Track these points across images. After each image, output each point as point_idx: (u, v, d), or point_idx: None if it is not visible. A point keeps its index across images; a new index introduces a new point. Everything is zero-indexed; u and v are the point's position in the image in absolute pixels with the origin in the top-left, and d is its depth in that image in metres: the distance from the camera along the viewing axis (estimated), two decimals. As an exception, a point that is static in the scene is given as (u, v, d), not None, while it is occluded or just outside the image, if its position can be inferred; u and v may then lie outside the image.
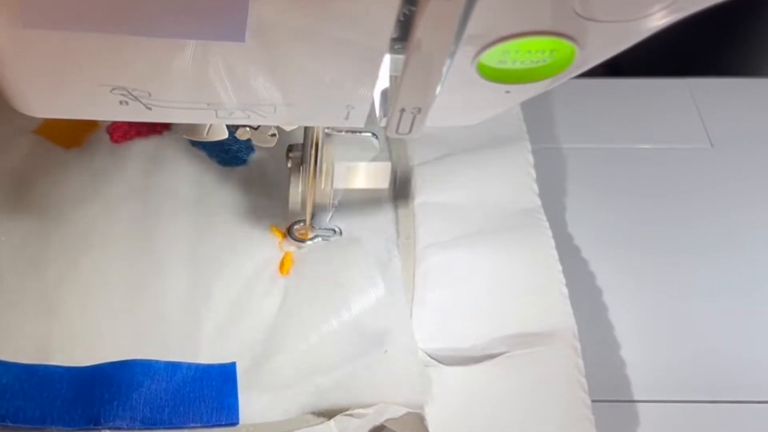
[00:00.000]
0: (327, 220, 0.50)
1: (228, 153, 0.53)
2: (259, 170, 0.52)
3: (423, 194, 0.53)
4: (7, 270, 0.47)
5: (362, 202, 0.52)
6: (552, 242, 0.50)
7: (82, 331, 0.45)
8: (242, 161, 0.53)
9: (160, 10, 0.30)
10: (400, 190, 0.53)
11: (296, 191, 0.47)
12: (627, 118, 0.64)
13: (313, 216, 0.50)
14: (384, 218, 0.52)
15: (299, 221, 0.51)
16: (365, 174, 0.46)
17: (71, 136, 0.54)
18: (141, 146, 0.54)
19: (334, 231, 0.50)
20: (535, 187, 0.53)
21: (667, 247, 0.56)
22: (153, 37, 0.31)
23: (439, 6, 0.30)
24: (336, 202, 0.50)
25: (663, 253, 0.56)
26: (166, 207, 0.50)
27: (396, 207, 0.52)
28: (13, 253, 0.48)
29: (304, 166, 0.47)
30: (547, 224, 0.51)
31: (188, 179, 0.52)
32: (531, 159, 0.55)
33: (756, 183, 0.60)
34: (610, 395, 0.49)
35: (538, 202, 0.53)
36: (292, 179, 0.47)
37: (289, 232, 0.50)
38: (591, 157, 0.61)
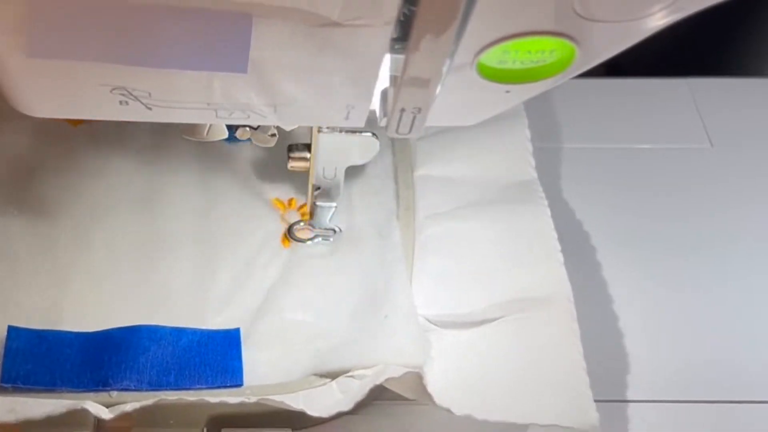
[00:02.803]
0: (327, 219, 0.50)
1: (232, 129, 0.54)
2: (263, 147, 0.53)
3: (423, 167, 0.54)
4: (19, 245, 0.48)
5: (362, 174, 0.53)
6: (548, 212, 0.51)
7: (92, 303, 0.46)
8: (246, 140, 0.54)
9: (165, 43, 0.31)
10: (400, 162, 0.54)
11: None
12: (627, 118, 0.64)
13: (312, 216, 0.50)
14: (384, 189, 0.53)
15: (299, 221, 0.51)
16: (351, 147, 0.47)
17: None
18: (147, 123, 0.54)
19: (334, 231, 0.51)
20: (532, 160, 0.54)
21: (667, 247, 0.56)
22: (157, 68, 0.32)
23: (439, 5, 0.30)
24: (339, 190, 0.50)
25: (663, 253, 0.56)
26: (172, 181, 0.52)
27: (396, 179, 0.53)
28: (25, 229, 0.49)
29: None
30: (543, 195, 0.52)
31: (193, 154, 0.53)
32: (528, 134, 0.56)
33: (756, 183, 0.60)
34: (608, 395, 0.49)
35: (535, 174, 0.54)
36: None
37: (289, 232, 0.51)
38: (591, 156, 0.61)
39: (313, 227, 0.51)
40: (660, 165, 0.61)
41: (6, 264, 0.47)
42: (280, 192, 0.52)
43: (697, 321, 0.53)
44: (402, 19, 0.32)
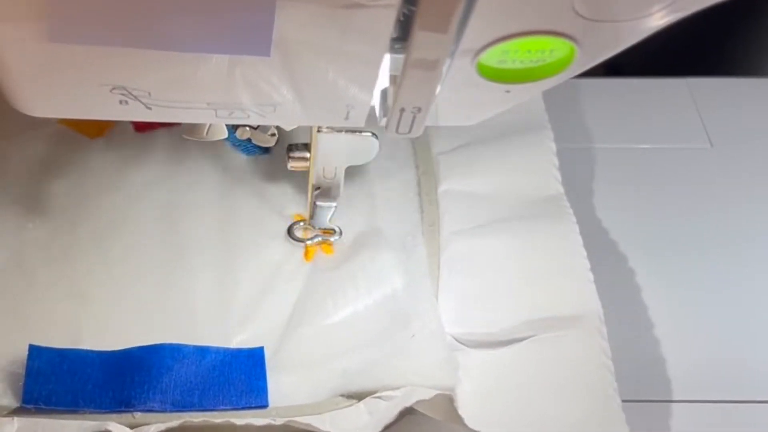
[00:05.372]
0: (327, 219, 0.50)
1: (251, 142, 0.54)
2: (282, 159, 0.52)
3: (447, 182, 0.53)
4: (37, 260, 0.48)
5: (386, 187, 0.53)
6: (576, 228, 0.50)
7: (112, 319, 0.46)
8: (266, 150, 0.54)
9: (188, 26, 0.30)
10: (423, 176, 0.54)
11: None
12: (627, 118, 0.64)
13: (312, 216, 0.50)
14: (408, 206, 0.52)
15: (299, 221, 0.51)
16: (351, 147, 0.46)
17: (95, 125, 0.54)
18: (164, 136, 0.54)
19: (334, 231, 0.51)
20: (558, 175, 0.54)
21: (667, 247, 0.56)
22: (180, 52, 0.31)
23: (439, 5, 0.30)
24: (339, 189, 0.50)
25: (663, 253, 0.56)
26: (191, 196, 0.52)
27: (420, 194, 0.53)
28: (42, 244, 0.49)
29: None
30: (570, 211, 0.52)
31: (212, 168, 0.53)
32: (554, 147, 0.55)
33: (756, 182, 0.60)
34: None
35: (561, 189, 0.53)
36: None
37: (288, 232, 0.51)
38: (591, 156, 0.61)
39: (313, 227, 0.51)
40: (660, 165, 0.61)
41: (24, 278, 0.47)
42: (300, 206, 0.52)
43: (696, 320, 0.53)
44: (402, 19, 0.32)
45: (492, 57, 0.34)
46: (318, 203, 0.49)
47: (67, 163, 0.52)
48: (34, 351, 0.43)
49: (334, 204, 0.50)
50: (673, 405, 0.49)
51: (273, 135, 0.49)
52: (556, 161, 0.54)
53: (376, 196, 0.53)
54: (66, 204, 0.51)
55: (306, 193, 0.51)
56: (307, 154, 0.47)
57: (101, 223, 0.50)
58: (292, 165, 0.48)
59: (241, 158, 0.54)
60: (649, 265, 0.55)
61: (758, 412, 0.49)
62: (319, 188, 0.49)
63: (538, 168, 0.54)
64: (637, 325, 0.52)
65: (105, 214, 0.50)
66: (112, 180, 0.52)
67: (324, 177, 0.48)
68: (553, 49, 0.34)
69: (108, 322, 0.46)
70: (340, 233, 0.51)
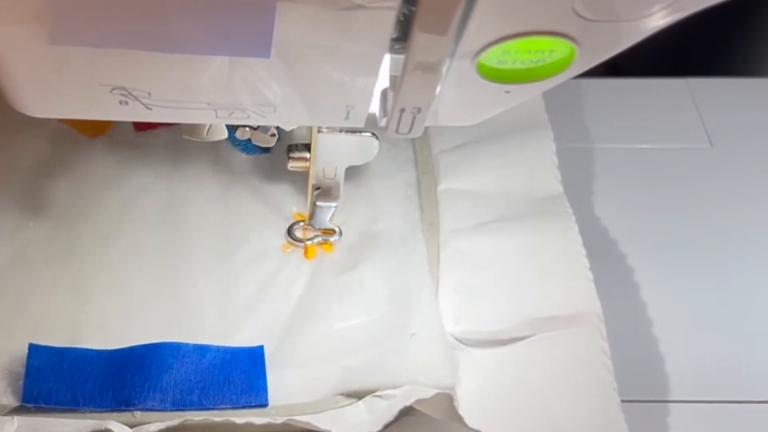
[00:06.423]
0: (327, 219, 0.50)
1: (251, 142, 0.54)
2: (282, 158, 0.53)
3: (446, 181, 0.53)
4: (37, 259, 0.48)
5: (386, 186, 0.53)
6: (576, 227, 0.50)
7: (112, 318, 0.46)
8: (265, 150, 0.54)
9: (189, 28, 0.30)
10: (423, 175, 0.54)
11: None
12: (627, 118, 0.64)
13: (312, 216, 0.50)
14: (408, 204, 0.52)
15: (299, 221, 0.51)
16: (351, 147, 0.46)
17: (96, 125, 0.54)
18: (165, 135, 0.54)
19: (334, 231, 0.51)
20: (558, 174, 0.54)
21: (667, 247, 0.56)
22: (181, 54, 0.31)
23: (439, 5, 0.30)
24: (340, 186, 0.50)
25: (662, 253, 0.56)
26: (192, 194, 0.52)
27: (420, 193, 0.53)
28: (42, 242, 0.49)
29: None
30: (570, 210, 0.52)
31: (213, 167, 0.53)
32: (553, 147, 0.55)
33: (756, 182, 0.60)
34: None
35: (561, 189, 0.53)
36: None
37: (288, 232, 0.51)
38: (591, 156, 0.61)
39: (313, 227, 0.51)
40: (660, 165, 0.61)
41: (24, 276, 0.47)
42: (301, 205, 0.52)
43: (696, 320, 0.53)
44: (402, 19, 0.32)
45: (492, 57, 0.34)
46: (318, 203, 0.49)
47: (67, 163, 0.53)
48: (34, 350, 0.43)
49: (334, 204, 0.50)
50: (673, 405, 0.49)
51: (273, 135, 0.49)
52: (555, 160, 0.55)
53: (376, 195, 0.53)
54: (66, 203, 0.51)
55: (306, 193, 0.51)
56: (307, 154, 0.47)
57: (102, 221, 0.50)
58: (292, 165, 0.48)
59: (240, 157, 0.54)
60: (648, 266, 0.55)
61: (758, 412, 0.49)
62: (319, 188, 0.49)
63: (537, 167, 0.54)
64: (636, 325, 0.52)
65: (105, 213, 0.50)
66: (113, 179, 0.52)
67: (324, 177, 0.48)
68: (553, 49, 0.34)
69: (108, 321, 0.46)
70: (340, 233, 0.51)
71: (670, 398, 0.49)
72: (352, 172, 0.50)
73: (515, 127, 0.56)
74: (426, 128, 0.38)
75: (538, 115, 0.57)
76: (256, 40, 0.31)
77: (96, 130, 0.54)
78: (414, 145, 0.56)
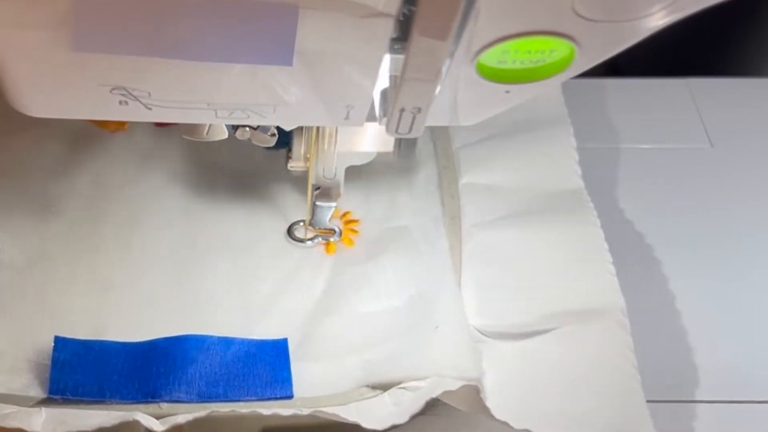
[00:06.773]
0: (327, 219, 0.50)
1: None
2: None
3: (468, 175, 0.54)
4: (60, 253, 0.48)
5: (406, 180, 0.53)
6: (597, 222, 0.51)
7: (135, 310, 0.46)
8: (284, 144, 0.54)
9: (211, 37, 0.31)
10: (444, 170, 0.54)
11: (299, 150, 0.47)
12: (627, 118, 0.64)
13: (312, 216, 0.50)
14: (430, 199, 0.53)
15: (299, 221, 0.51)
16: (370, 137, 0.46)
17: (116, 121, 0.54)
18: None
19: (334, 231, 0.50)
20: (578, 169, 0.54)
21: (667, 247, 0.56)
22: (202, 62, 0.32)
23: (439, 5, 0.30)
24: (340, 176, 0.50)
25: (662, 253, 0.56)
26: (212, 188, 0.52)
27: (441, 188, 0.53)
28: (64, 237, 0.49)
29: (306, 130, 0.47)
30: (591, 205, 0.52)
31: (232, 161, 0.53)
32: (574, 142, 0.55)
33: (756, 182, 0.60)
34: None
35: (582, 183, 0.53)
36: (295, 139, 0.47)
37: (288, 232, 0.51)
38: (591, 156, 0.61)
39: (313, 227, 0.51)
40: (660, 165, 0.61)
41: (47, 271, 0.47)
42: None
43: (695, 320, 0.52)
44: (402, 19, 0.32)
45: (492, 57, 0.34)
46: (318, 203, 0.49)
47: (88, 158, 0.53)
48: (60, 342, 0.43)
49: (334, 204, 0.50)
50: (673, 405, 0.49)
51: (273, 135, 0.49)
52: (575, 155, 0.55)
53: (398, 190, 0.53)
54: (87, 198, 0.51)
55: (306, 193, 0.51)
56: (307, 155, 0.47)
57: (122, 216, 0.50)
58: (292, 165, 0.48)
59: (259, 150, 0.53)
60: (647, 266, 0.55)
61: (758, 412, 0.49)
62: (319, 188, 0.49)
63: (558, 162, 0.54)
64: (635, 326, 0.52)
65: (126, 208, 0.51)
66: (133, 174, 0.52)
67: (324, 177, 0.48)
68: (553, 49, 0.34)
69: (131, 313, 0.46)
70: (340, 233, 0.51)
71: (670, 398, 0.49)
72: (371, 168, 0.50)
73: (536, 122, 0.56)
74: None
75: (559, 110, 0.57)
76: (278, 48, 0.32)
77: (116, 125, 0.55)
78: (434, 140, 0.56)
